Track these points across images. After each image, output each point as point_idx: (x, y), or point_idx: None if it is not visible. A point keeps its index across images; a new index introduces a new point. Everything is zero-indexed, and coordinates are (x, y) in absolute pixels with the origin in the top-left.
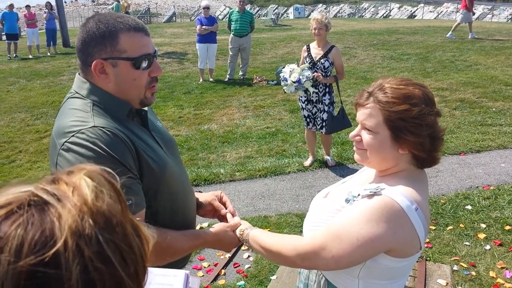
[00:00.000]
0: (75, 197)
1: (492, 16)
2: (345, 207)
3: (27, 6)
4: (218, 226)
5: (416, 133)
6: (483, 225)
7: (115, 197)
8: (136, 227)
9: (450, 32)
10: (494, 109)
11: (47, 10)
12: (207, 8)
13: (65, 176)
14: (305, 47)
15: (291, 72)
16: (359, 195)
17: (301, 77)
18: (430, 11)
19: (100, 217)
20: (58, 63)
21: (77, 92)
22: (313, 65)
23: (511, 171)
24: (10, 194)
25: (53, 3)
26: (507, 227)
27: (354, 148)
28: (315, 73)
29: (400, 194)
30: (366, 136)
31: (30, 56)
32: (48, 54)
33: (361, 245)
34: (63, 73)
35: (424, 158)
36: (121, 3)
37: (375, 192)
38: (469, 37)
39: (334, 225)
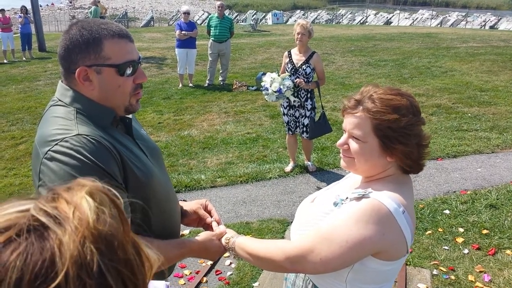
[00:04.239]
0: (76, 220)
1: (466, 23)
2: (333, 210)
3: (2, 10)
4: (203, 235)
5: (404, 143)
6: (461, 229)
7: (116, 216)
8: (137, 247)
9: None
10: (469, 114)
11: (22, 14)
12: (187, 13)
13: (66, 193)
14: (286, 53)
15: (271, 82)
16: (347, 198)
17: (281, 86)
18: (406, 18)
19: (101, 241)
20: (34, 68)
21: (60, 100)
22: (295, 71)
23: (487, 175)
24: (8, 215)
25: (29, 7)
26: (485, 231)
27: (341, 155)
28: (297, 79)
29: (388, 197)
30: (354, 145)
31: (5, 61)
32: (24, 58)
33: (350, 247)
34: (39, 78)
35: (411, 165)
36: (99, 7)
37: (363, 195)
38: None
39: (322, 228)
